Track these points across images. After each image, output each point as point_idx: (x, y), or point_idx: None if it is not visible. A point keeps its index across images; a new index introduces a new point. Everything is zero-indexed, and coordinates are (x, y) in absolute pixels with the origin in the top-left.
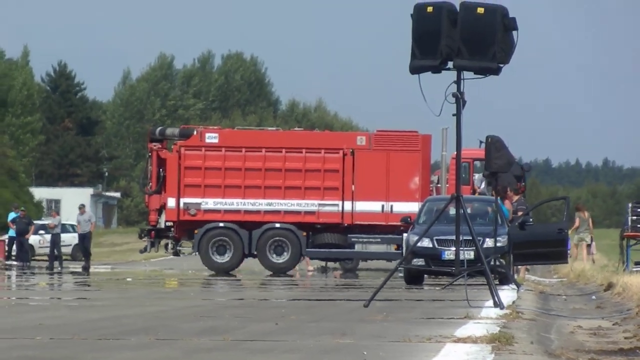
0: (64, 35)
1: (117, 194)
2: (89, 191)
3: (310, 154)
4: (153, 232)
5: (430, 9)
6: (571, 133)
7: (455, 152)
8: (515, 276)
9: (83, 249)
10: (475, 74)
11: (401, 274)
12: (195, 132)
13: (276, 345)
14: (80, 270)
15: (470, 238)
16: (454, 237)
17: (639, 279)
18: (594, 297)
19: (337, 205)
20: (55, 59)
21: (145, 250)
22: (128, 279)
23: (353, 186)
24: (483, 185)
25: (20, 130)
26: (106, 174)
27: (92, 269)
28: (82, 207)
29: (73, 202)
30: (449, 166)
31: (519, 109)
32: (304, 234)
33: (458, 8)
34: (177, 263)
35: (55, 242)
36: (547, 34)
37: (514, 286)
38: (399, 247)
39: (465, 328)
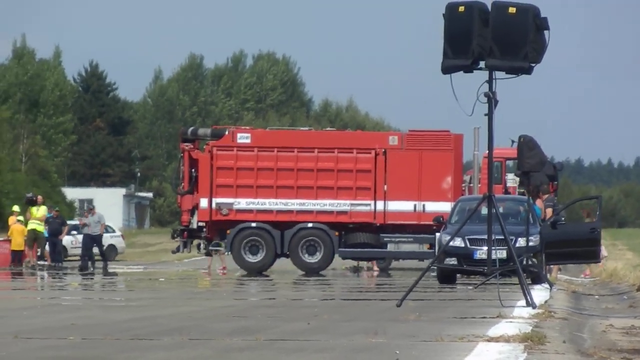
0: (95, 36)
1: (150, 194)
2: (121, 191)
3: (342, 154)
4: (185, 232)
5: (462, 8)
6: (603, 132)
7: (488, 152)
8: (548, 275)
9: (85, 250)
10: (507, 73)
11: (434, 274)
12: (227, 132)
13: (308, 345)
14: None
15: (503, 237)
16: (486, 237)
17: None
18: (625, 297)
19: (369, 205)
20: (87, 59)
21: (178, 250)
22: (161, 279)
23: (385, 186)
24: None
25: (52, 130)
26: (138, 174)
27: (124, 269)
28: (92, 208)
29: (106, 203)
30: (481, 166)
31: (551, 108)
32: (337, 233)
33: (490, 8)
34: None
35: (88, 243)
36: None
37: (546, 285)
38: (432, 246)
39: (497, 327)
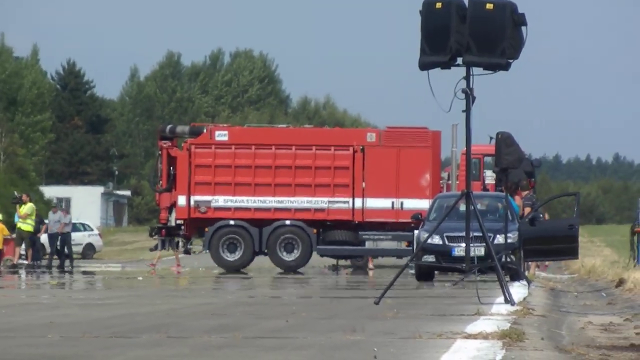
0: (72, 34)
1: (128, 193)
2: (99, 189)
3: (320, 151)
4: (164, 230)
5: (439, 5)
6: (581, 128)
7: (465, 148)
8: (526, 272)
9: (52, 249)
10: (484, 69)
11: (412, 271)
12: (205, 130)
13: (287, 343)
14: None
15: (481, 234)
16: (464, 234)
17: None
18: (604, 294)
19: (347, 202)
20: (65, 58)
21: (155, 248)
22: (139, 278)
23: (363, 183)
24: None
25: (30, 129)
26: (116, 172)
27: (102, 268)
28: (54, 206)
29: (84, 201)
30: (459, 162)
31: (528, 104)
32: (315, 231)
33: (467, 4)
34: (188, 261)
35: (65, 241)
36: (555, 26)
37: (524, 282)
38: (410, 244)
39: (475, 324)
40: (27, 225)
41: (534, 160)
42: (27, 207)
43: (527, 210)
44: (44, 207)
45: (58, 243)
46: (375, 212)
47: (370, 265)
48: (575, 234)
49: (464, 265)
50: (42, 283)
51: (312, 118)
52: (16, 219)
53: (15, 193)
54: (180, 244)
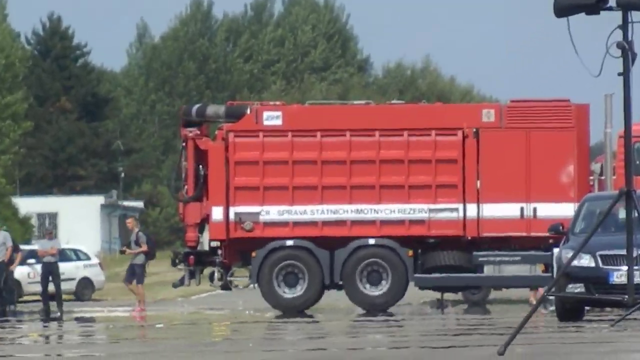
0: None
1: (139, 204)
2: (98, 200)
3: (416, 137)
4: (192, 256)
5: None
6: None
7: (624, 129)
8: None
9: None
10: None
11: (551, 307)
12: (248, 111)
13: None
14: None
15: None
16: (625, 252)
17: None
18: None
19: (456, 209)
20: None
21: (181, 283)
22: (158, 326)
23: (478, 182)
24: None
25: None
26: (122, 174)
27: (105, 312)
28: (49, 232)
29: (76, 217)
30: (616, 149)
31: None
32: (410, 253)
33: None
34: (229, 300)
35: (51, 275)
36: None
37: None
38: (547, 267)
39: None
40: None
41: None
42: None
43: None
44: (20, 227)
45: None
46: (497, 223)
47: (532, 299)
48: None
49: (626, 297)
50: (16, 337)
51: (403, 91)
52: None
53: None
54: (216, 275)
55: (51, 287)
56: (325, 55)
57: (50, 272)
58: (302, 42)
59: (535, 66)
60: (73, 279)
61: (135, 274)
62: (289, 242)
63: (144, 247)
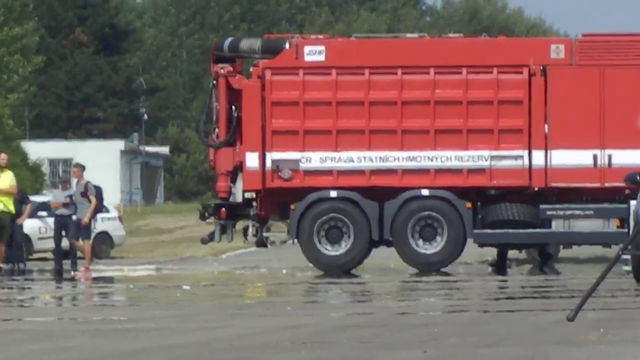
0: None
1: (164, 150)
2: (117, 145)
3: (475, 75)
4: (223, 209)
5: None
6: None
7: None
8: None
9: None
10: None
11: (627, 267)
12: (287, 45)
13: None
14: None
15: None
16: None
17: None
18: None
19: (521, 157)
20: None
21: (211, 239)
22: (185, 287)
23: (546, 126)
24: None
25: (4, 49)
26: (145, 116)
27: (125, 271)
28: (62, 180)
29: (94, 164)
30: None
31: None
32: (469, 205)
33: None
34: (265, 258)
35: (65, 230)
36: None
37: None
38: (623, 222)
39: None
40: (9, 203)
41: None
42: (8, 178)
43: None
44: (29, 175)
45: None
46: (567, 172)
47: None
48: None
49: None
50: (26, 298)
51: (463, 22)
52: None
53: None
54: (250, 230)
55: (65, 243)
56: None
57: (63, 226)
58: None
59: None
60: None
61: (81, 228)
62: (333, 193)
63: (94, 202)
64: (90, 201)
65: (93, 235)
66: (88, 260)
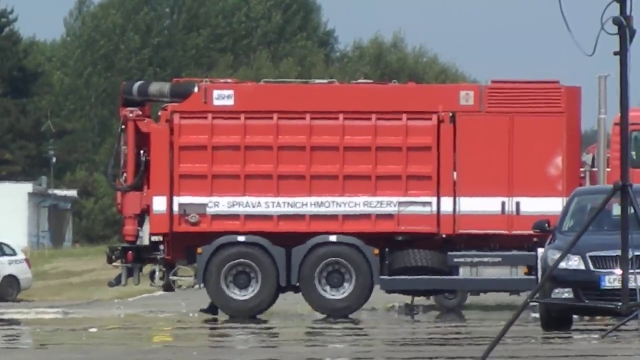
0: None
1: (72, 193)
2: (25, 188)
3: (384, 122)
4: (130, 252)
5: None
6: None
7: (620, 115)
8: None
9: None
10: None
11: (535, 314)
12: (196, 89)
13: None
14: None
15: None
16: (619, 253)
17: None
18: None
19: (429, 203)
20: None
21: (117, 282)
22: (91, 330)
23: (455, 173)
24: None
25: None
26: (53, 159)
27: (31, 314)
28: None
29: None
30: (611, 137)
31: None
32: (376, 251)
33: None
34: (172, 302)
35: None
36: None
37: None
38: (531, 270)
39: None
40: None
41: None
42: None
43: None
44: None
45: None
46: (475, 219)
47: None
48: None
49: (620, 304)
50: None
51: (372, 68)
52: None
53: None
54: (157, 273)
55: None
56: (280, 26)
57: None
58: (254, 12)
59: (521, 44)
60: None
61: None
62: (240, 238)
63: None
64: None
65: None
66: None
